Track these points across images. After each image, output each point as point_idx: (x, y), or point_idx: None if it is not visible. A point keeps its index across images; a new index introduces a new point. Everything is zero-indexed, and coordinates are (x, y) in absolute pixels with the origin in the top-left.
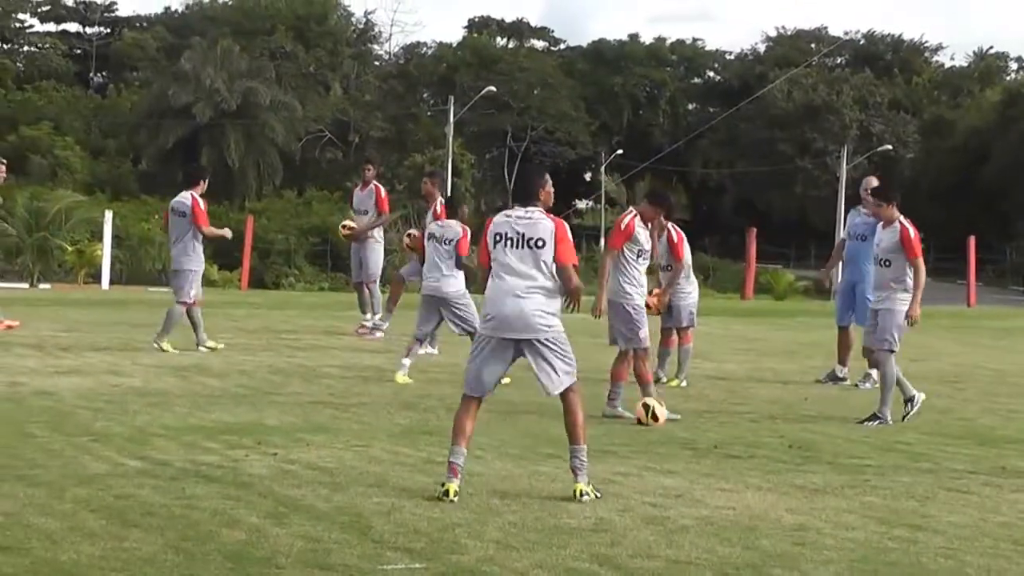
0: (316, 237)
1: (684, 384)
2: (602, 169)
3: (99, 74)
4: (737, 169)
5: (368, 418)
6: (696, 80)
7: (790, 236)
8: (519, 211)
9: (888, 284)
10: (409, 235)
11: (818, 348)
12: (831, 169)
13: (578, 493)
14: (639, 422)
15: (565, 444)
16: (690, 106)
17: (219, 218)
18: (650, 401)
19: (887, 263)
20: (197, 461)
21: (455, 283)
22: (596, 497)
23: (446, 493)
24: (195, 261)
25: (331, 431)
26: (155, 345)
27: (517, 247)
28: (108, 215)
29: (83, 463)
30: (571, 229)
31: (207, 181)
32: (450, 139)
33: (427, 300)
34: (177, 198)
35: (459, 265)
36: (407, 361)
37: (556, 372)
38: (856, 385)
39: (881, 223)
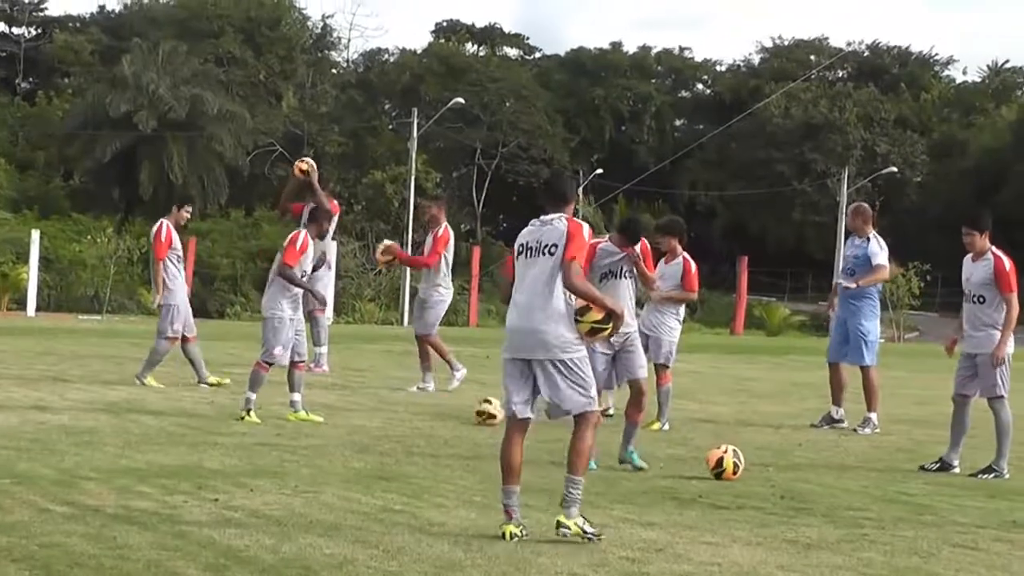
0: (265, 262)
1: (666, 427)
2: (579, 190)
3: (27, 79)
4: (728, 192)
5: (319, 461)
6: (684, 93)
7: (785, 266)
8: (544, 217)
9: (983, 324)
10: (386, 247)
11: (813, 389)
12: (831, 192)
13: (557, 526)
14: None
15: (534, 492)
16: (677, 122)
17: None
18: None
19: (980, 299)
20: (130, 507)
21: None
22: (585, 536)
23: (502, 536)
24: (174, 294)
25: (278, 475)
26: (137, 381)
27: (534, 256)
28: (35, 235)
29: (4, 508)
30: None
31: (189, 208)
32: (413, 155)
33: None
34: None
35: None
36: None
37: (566, 395)
38: (855, 430)
39: (971, 255)
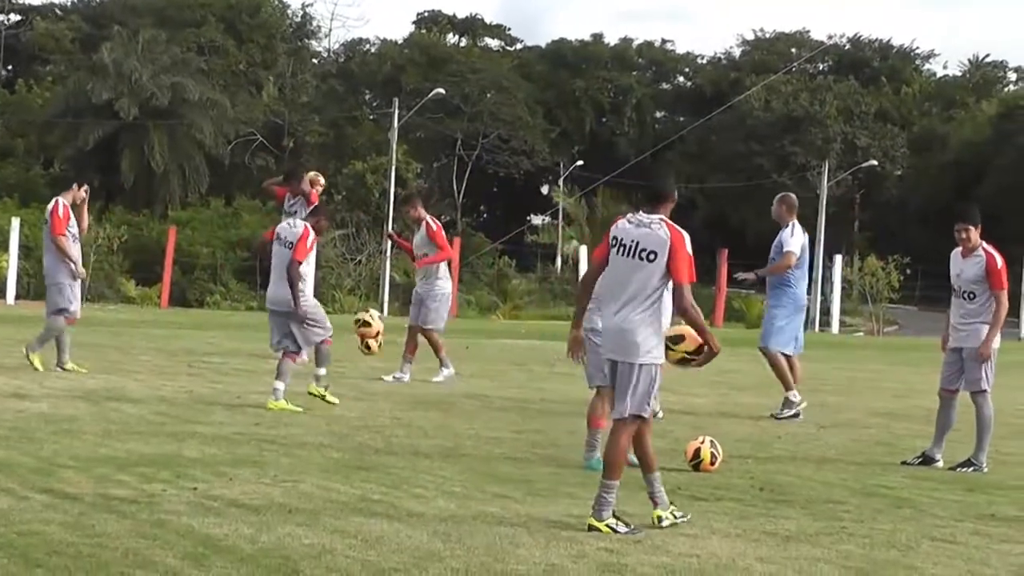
0: (244, 251)
1: (660, 417)
2: (560, 181)
3: (6, 67)
4: (709, 184)
5: (298, 451)
6: (665, 86)
7: (765, 258)
8: (642, 217)
9: (972, 319)
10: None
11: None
12: (811, 186)
13: (655, 520)
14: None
15: (513, 482)
16: (658, 114)
17: (139, 228)
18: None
19: (971, 296)
20: (109, 495)
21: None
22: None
23: (654, 521)
24: (63, 272)
25: (257, 464)
26: (28, 358)
27: (629, 256)
28: (15, 223)
29: None
30: (525, 247)
31: (87, 189)
32: (394, 145)
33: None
34: None
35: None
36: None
37: (629, 399)
38: (773, 416)
39: (960, 250)
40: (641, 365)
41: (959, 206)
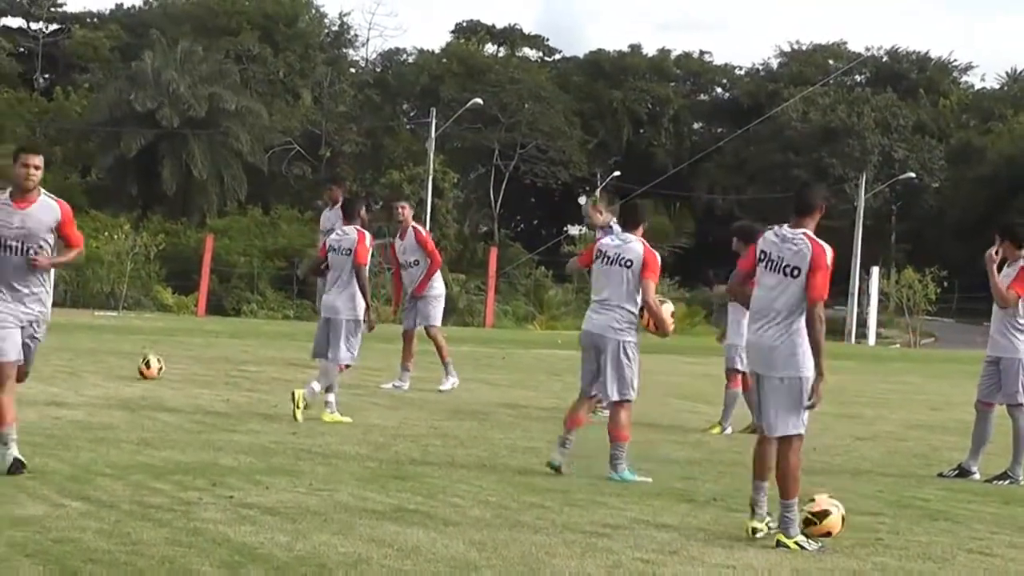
0: (282, 260)
1: (728, 431)
2: (597, 192)
3: (44, 75)
4: (746, 196)
5: (334, 460)
6: (702, 97)
7: None
8: (787, 231)
9: (1009, 329)
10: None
11: (830, 393)
12: (849, 198)
13: (777, 544)
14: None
15: (548, 492)
16: (695, 125)
17: (176, 236)
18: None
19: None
20: (145, 503)
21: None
22: (804, 548)
23: (748, 531)
24: None
25: (293, 473)
26: None
27: (774, 272)
28: None
29: (19, 503)
30: (561, 257)
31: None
32: (431, 155)
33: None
34: None
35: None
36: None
37: (777, 417)
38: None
39: (1007, 259)
40: (799, 378)
41: (1005, 224)
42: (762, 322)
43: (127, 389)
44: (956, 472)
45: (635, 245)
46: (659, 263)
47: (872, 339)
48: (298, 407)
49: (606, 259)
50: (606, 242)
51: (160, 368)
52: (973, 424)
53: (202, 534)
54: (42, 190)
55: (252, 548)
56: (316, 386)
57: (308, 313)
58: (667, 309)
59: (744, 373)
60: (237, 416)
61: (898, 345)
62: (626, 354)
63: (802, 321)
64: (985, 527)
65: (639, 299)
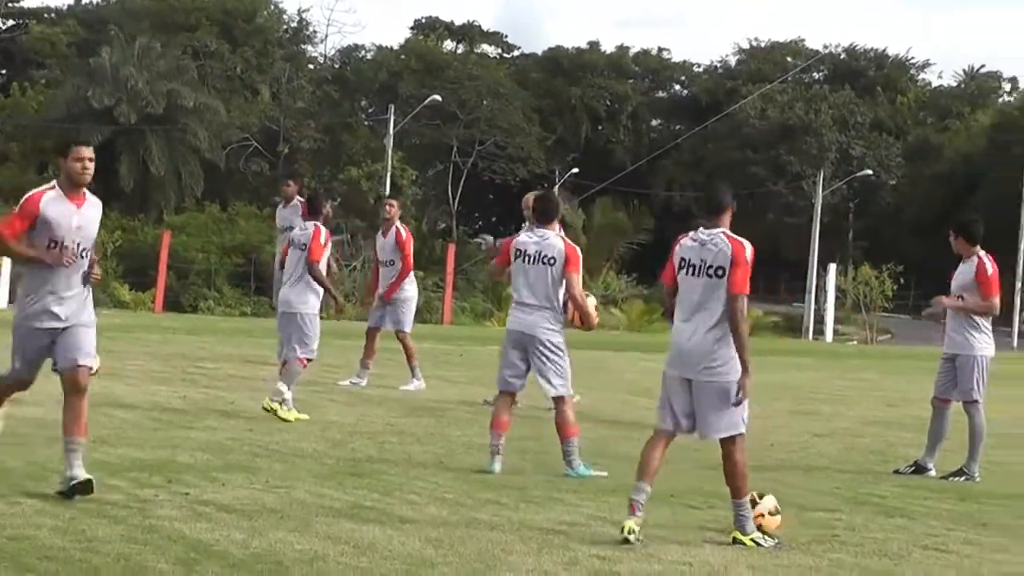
0: (239, 257)
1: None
2: (555, 189)
3: (0, 71)
4: (704, 193)
5: (291, 457)
6: (661, 94)
7: (760, 267)
8: (703, 234)
9: (963, 326)
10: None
11: (787, 390)
12: (806, 194)
13: (733, 541)
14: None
15: (505, 489)
16: (654, 122)
17: (134, 232)
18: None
19: (960, 299)
20: (101, 500)
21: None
22: (760, 545)
23: (621, 531)
24: None
25: (250, 470)
26: None
27: (698, 275)
28: None
29: None
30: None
31: None
32: (389, 152)
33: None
34: None
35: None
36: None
37: (715, 420)
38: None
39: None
40: (727, 382)
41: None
42: (692, 327)
43: None
44: (912, 469)
45: (555, 241)
46: (580, 256)
47: (829, 336)
48: (277, 412)
49: (527, 258)
50: (524, 240)
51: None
52: (929, 421)
53: (158, 531)
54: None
55: (208, 545)
56: (282, 386)
57: (265, 310)
58: (591, 303)
59: None
60: (194, 413)
61: (855, 342)
62: (559, 350)
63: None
64: (941, 523)
65: (562, 294)
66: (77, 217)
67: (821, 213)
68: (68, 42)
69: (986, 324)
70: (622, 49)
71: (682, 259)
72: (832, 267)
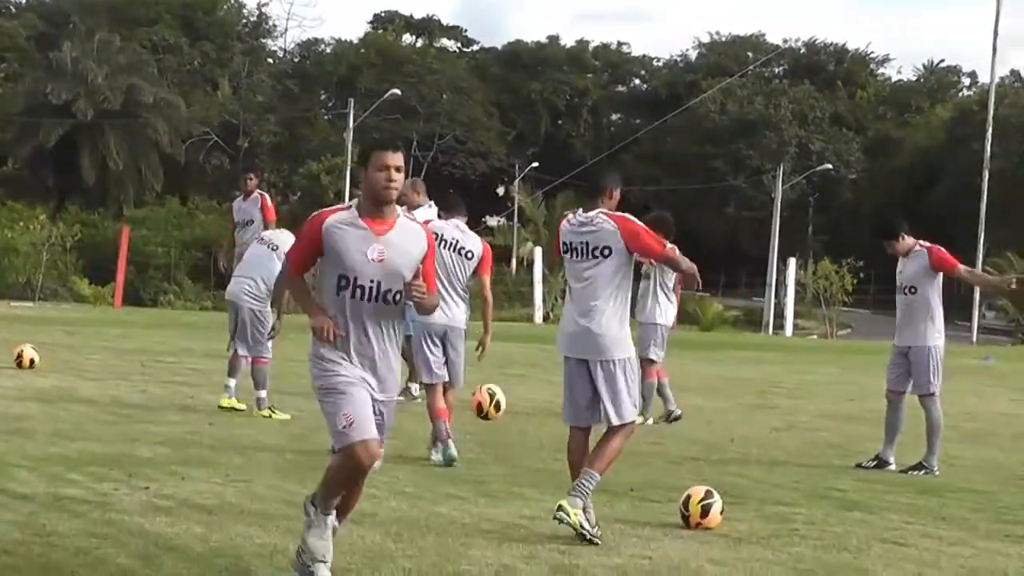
0: (199, 251)
1: (650, 422)
2: (515, 182)
3: None
4: (663, 187)
5: (251, 451)
6: (621, 88)
7: (719, 261)
8: (581, 216)
9: (915, 318)
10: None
11: (748, 384)
12: (766, 189)
13: (556, 509)
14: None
15: (465, 483)
16: (614, 116)
17: (93, 227)
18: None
19: (912, 290)
20: (60, 494)
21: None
22: (579, 532)
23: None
24: None
25: (210, 464)
26: None
27: (582, 258)
28: None
29: None
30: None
31: None
32: (349, 146)
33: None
34: None
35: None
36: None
37: (621, 400)
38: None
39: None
40: (617, 361)
41: (879, 225)
42: (584, 310)
43: (42, 380)
44: (875, 463)
45: (473, 236)
46: (491, 254)
47: (789, 330)
48: (273, 416)
49: (445, 243)
50: (440, 224)
51: (32, 360)
52: (885, 414)
53: (117, 525)
54: (399, 209)
55: (168, 539)
56: (254, 389)
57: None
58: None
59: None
60: (154, 407)
61: (815, 336)
62: (465, 340)
63: (624, 300)
64: (900, 517)
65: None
66: (379, 249)
67: (781, 207)
68: (27, 35)
69: (940, 316)
70: (582, 43)
71: (565, 243)
72: (792, 261)
